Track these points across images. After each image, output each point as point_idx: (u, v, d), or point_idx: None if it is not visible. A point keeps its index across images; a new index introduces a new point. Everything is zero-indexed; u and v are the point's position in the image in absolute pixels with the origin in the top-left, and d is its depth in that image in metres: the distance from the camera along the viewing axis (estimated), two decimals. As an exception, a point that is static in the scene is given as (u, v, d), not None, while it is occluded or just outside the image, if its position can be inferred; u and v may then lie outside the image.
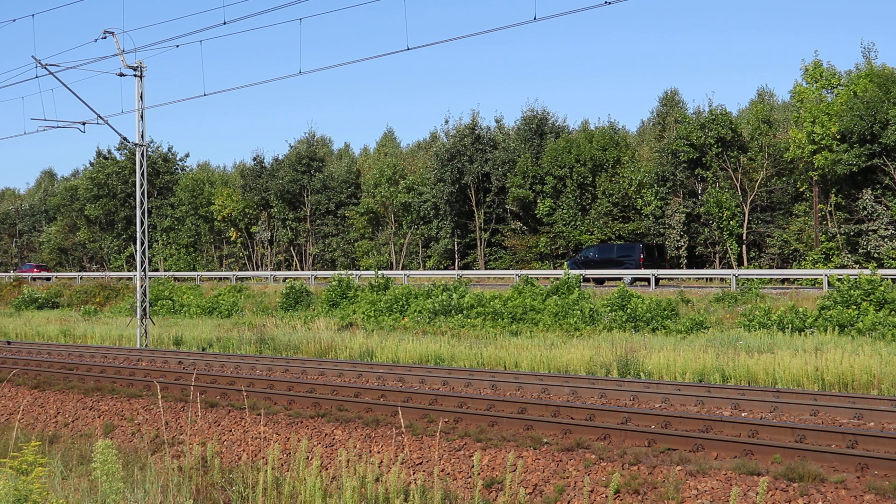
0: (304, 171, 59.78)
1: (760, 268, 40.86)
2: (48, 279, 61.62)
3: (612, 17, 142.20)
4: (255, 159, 63.84)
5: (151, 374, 19.28)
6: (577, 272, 34.89)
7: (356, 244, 57.82)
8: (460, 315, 31.06)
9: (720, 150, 41.86)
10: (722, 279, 36.52)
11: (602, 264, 38.22)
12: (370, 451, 12.10)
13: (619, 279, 35.17)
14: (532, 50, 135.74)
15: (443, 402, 14.63)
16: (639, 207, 44.31)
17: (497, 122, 55.07)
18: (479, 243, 51.04)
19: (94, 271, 68.58)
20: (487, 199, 50.70)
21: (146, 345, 29.64)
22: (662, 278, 36.82)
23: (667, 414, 12.50)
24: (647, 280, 35.24)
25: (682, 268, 42.69)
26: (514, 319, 29.88)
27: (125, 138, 32.18)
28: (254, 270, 60.99)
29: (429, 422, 12.87)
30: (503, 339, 26.03)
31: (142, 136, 29.93)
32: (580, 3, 74.23)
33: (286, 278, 47.99)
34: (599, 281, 37.42)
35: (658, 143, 49.26)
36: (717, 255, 43.33)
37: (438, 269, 51.40)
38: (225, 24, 25.81)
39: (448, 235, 52.11)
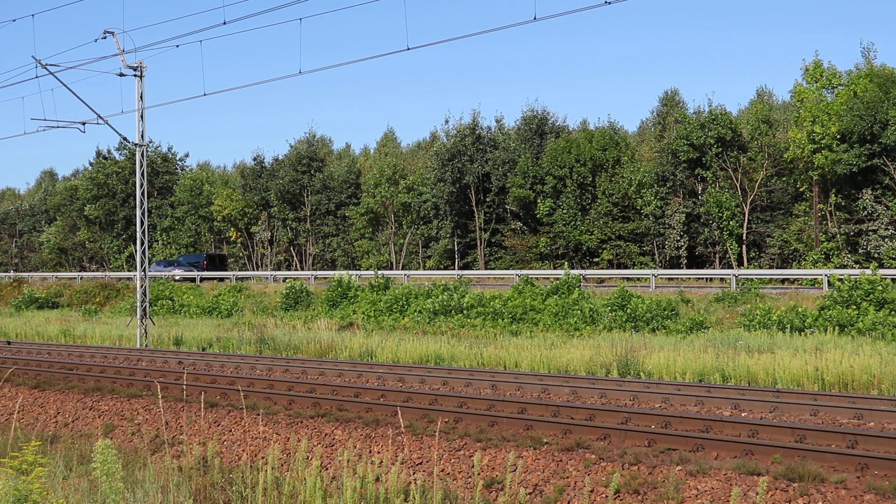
0: (304, 171, 59.77)
1: (760, 268, 40.86)
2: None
3: (612, 17, 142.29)
4: (255, 159, 63.90)
5: (151, 374, 19.28)
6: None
7: (356, 244, 57.82)
8: (460, 315, 31.05)
9: (720, 150, 41.86)
10: (722, 279, 36.52)
11: (192, 267, 54.62)
12: (370, 451, 12.10)
13: (193, 279, 51.34)
14: (532, 50, 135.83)
15: (443, 402, 14.63)
16: (639, 207, 44.30)
17: (497, 122, 55.11)
18: (479, 243, 51.05)
19: (94, 271, 68.60)
20: (487, 199, 50.69)
21: (146, 345, 29.64)
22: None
23: (667, 414, 12.50)
24: (193, 278, 51.83)
25: (683, 268, 42.71)
26: (514, 319, 29.87)
27: (125, 138, 32.18)
28: (254, 270, 61.00)
29: (429, 422, 12.87)
30: (503, 339, 26.03)
31: (142, 136, 29.93)
32: (580, 3, 74.19)
33: (286, 278, 48.00)
34: (189, 279, 52.45)
35: (658, 143, 49.25)
36: (717, 255, 43.34)
37: (438, 269, 51.41)
38: (225, 24, 25.81)
39: (448, 235, 52.11)
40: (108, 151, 70.56)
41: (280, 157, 62.62)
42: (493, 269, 48.35)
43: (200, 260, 56.24)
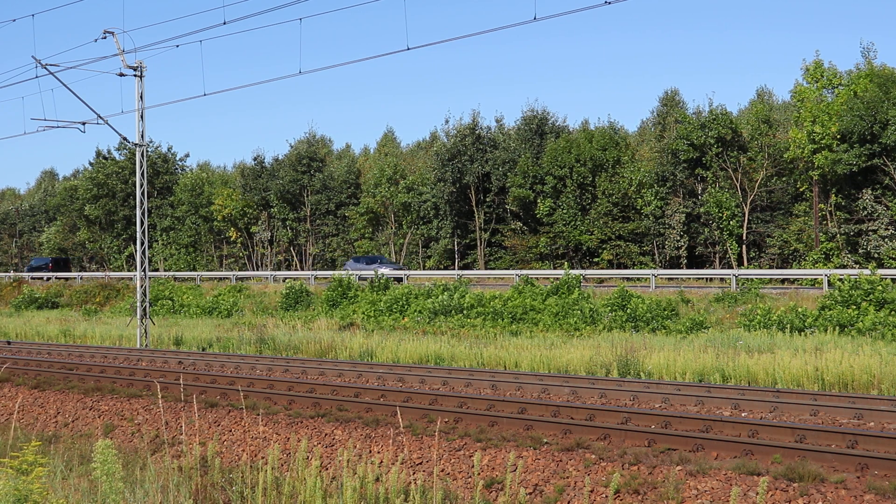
0: (304, 171, 59.77)
1: (760, 268, 40.86)
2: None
3: (612, 17, 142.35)
4: (255, 159, 63.91)
5: (151, 374, 19.27)
6: (28, 274, 61.97)
7: (356, 244, 57.81)
8: (460, 315, 31.05)
9: (720, 150, 41.86)
10: (722, 279, 36.53)
11: (42, 269, 62.54)
12: (370, 451, 12.09)
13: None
14: (532, 50, 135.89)
15: (443, 402, 14.63)
16: (639, 207, 44.30)
17: (497, 122, 55.16)
18: (479, 243, 51.04)
19: (94, 271, 68.55)
20: (487, 199, 50.69)
21: (146, 345, 29.64)
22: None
23: (667, 414, 12.49)
24: (45, 277, 60.25)
25: (683, 268, 42.70)
26: (514, 319, 29.86)
27: (125, 138, 32.16)
28: (254, 270, 60.97)
29: (429, 422, 12.86)
30: (503, 339, 26.02)
31: (142, 136, 29.92)
32: (580, 3, 74.14)
33: (286, 278, 47.98)
34: (49, 277, 59.66)
35: (658, 143, 49.25)
36: (717, 255, 43.33)
37: (438, 269, 51.40)
38: (225, 24, 25.83)
39: (448, 235, 52.10)
40: (108, 151, 70.55)
41: (280, 157, 62.67)
42: (493, 269, 48.35)
43: (46, 262, 64.79)
